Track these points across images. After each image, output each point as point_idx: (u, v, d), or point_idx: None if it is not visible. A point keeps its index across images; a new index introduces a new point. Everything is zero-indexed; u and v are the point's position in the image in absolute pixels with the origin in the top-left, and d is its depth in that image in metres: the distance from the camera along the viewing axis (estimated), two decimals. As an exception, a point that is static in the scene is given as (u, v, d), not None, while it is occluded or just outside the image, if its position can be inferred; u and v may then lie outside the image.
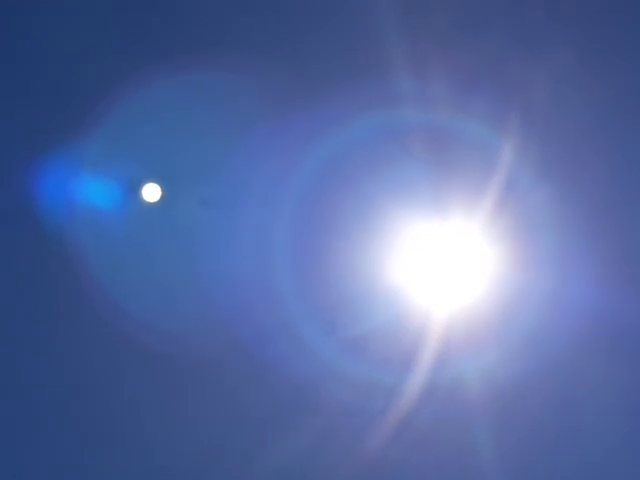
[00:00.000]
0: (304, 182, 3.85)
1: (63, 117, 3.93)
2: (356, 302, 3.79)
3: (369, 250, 3.81)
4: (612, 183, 3.86)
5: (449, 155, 3.77)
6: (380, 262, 3.83)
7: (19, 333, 3.89)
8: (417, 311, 3.81)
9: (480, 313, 3.80)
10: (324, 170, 3.84)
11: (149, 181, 4.01)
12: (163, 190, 4.01)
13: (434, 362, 3.72)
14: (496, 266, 3.83)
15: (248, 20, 3.89)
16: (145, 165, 4.00)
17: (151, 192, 4.02)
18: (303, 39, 3.85)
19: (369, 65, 3.77)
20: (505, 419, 3.76)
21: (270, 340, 3.76)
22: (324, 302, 3.81)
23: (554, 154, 3.81)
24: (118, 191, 4.01)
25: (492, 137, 3.81)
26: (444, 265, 3.85)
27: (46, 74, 3.93)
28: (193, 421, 3.80)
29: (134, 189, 4.01)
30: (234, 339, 3.76)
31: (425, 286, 3.86)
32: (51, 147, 3.95)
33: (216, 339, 3.80)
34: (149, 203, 4.02)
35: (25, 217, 3.94)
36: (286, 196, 3.83)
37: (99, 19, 3.90)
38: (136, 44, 3.92)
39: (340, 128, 3.82)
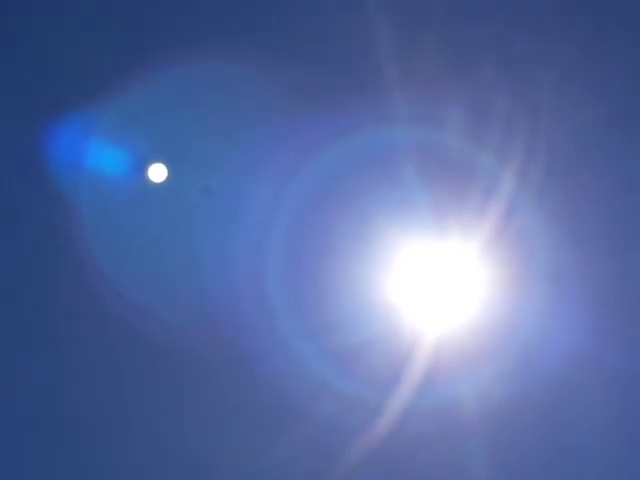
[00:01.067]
0: (300, 197, 3.85)
1: (82, 90, 3.94)
2: (350, 318, 3.79)
3: (364, 267, 3.82)
4: (611, 209, 3.87)
5: (447, 175, 3.78)
6: (375, 279, 3.85)
7: (17, 301, 3.92)
8: (409, 329, 3.81)
9: (471, 334, 3.81)
10: (321, 186, 3.85)
11: (156, 161, 4.02)
12: (169, 172, 4.02)
13: (423, 380, 3.73)
14: (490, 287, 3.83)
15: (265, 22, 3.90)
16: (154, 145, 4.01)
17: (157, 172, 4.03)
18: (301, 56, 3.84)
19: (371, 84, 3.78)
20: (495, 440, 3.77)
21: (261, 351, 3.77)
22: (318, 317, 3.81)
23: (551, 176, 3.80)
24: (125, 168, 4.02)
25: (490, 158, 3.80)
26: (438, 284, 3.85)
27: (67, 48, 3.94)
28: (184, 421, 3.82)
29: (141, 168, 4.01)
30: (224, 340, 3.78)
31: (418, 305, 3.86)
32: (66, 117, 3.97)
33: (207, 331, 3.82)
34: (154, 183, 4.02)
35: (32, 181, 3.96)
36: (282, 210, 3.84)
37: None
38: (164, 27, 3.92)
39: (339, 145, 3.83)
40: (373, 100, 3.77)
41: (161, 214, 4.01)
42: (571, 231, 3.81)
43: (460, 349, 3.76)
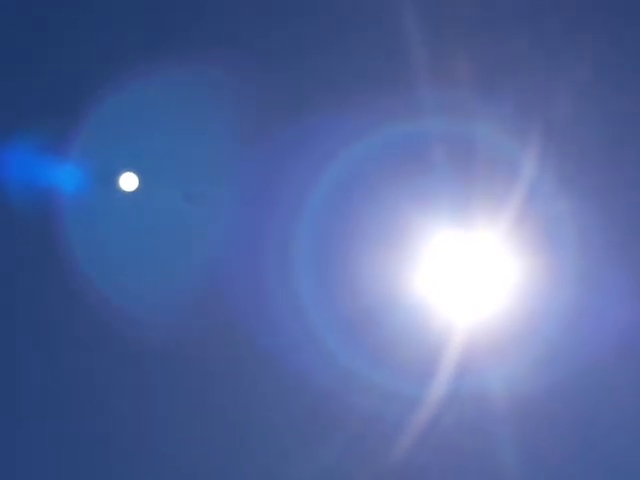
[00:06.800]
0: (328, 190, 3.88)
1: (48, 102, 3.89)
2: (379, 311, 3.79)
3: (391, 260, 3.82)
4: (636, 192, 3.85)
5: (472, 165, 3.76)
6: (403, 272, 3.84)
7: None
8: (439, 321, 3.81)
9: (502, 324, 3.80)
10: (346, 179, 3.87)
11: (127, 170, 4.02)
12: (140, 180, 4.02)
13: (456, 372, 3.72)
14: (519, 276, 3.82)
15: (267, 22, 3.92)
16: (125, 154, 4.00)
17: (128, 181, 4.03)
18: (329, 48, 3.85)
19: (393, 74, 3.79)
20: (527, 430, 3.76)
21: (292, 348, 3.77)
22: (347, 311, 3.81)
23: (576, 164, 3.79)
24: (95, 178, 4.01)
25: (514, 147, 3.81)
26: (467, 275, 3.85)
27: (38, 62, 3.89)
28: (211, 428, 3.79)
29: (112, 177, 4.01)
30: (245, 339, 3.78)
31: (447, 296, 3.86)
32: (31, 131, 3.92)
33: (188, 328, 3.82)
34: (125, 192, 4.02)
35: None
36: (309, 202, 3.86)
37: (101, 10, 3.89)
38: (135, 36, 3.90)
39: (362, 136, 3.85)
40: (396, 91, 3.77)
41: (132, 222, 4.01)
42: (600, 217, 3.80)
43: (491, 340, 3.76)
